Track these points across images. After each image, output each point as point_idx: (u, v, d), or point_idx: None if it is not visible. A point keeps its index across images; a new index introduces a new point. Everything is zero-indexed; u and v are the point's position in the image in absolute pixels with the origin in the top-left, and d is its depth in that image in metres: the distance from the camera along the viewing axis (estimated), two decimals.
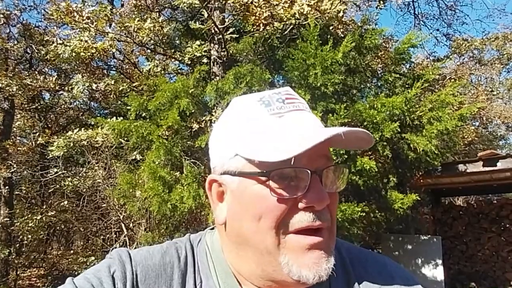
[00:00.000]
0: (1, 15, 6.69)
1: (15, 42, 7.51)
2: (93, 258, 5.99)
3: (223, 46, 4.76)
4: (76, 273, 6.13)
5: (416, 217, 7.94)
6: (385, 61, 5.79)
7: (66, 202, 7.00)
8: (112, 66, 7.65)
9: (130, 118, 4.39)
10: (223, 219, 0.59)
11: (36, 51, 7.12)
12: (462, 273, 6.70)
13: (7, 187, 7.33)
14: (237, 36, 4.79)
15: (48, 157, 6.10)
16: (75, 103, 8.82)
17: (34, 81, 6.15)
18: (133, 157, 4.91)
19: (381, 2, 7.63)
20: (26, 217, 6.49)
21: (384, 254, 5.42)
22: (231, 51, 4.88)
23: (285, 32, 4.55)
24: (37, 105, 8.25)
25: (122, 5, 6.99)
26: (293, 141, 0.52)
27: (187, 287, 0.59)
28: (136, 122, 4.26)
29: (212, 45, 4.88)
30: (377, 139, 4.06)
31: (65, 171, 6.49)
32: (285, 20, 4.17)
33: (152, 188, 3.93)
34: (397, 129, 4.02)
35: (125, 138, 4.55)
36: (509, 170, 5.23)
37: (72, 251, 8.58)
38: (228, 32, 4.60)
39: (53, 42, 4.97)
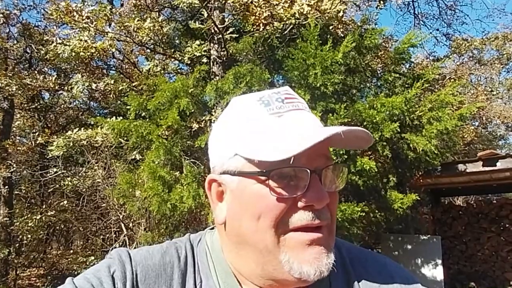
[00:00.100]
0: (1, 15, 6.69)
1: (15, 42, 7.51)
2: (92, 258, 5.99)
3: (223, 46, 4.76)
4: (75, 272, 6.13)
5: (415, 217, 7.95)
6: (385, 61, 5.79)
7: (65, 202, 7.01)
8: (111, 66, 7.65)
9: (130, 117, 4.38)
10: (222, 219, 0.59)
11: (36, 50, 7.12)
12: (462, 273, 6.70)
13: (6, 186, 7.33)
14: (237, 36, 4.79)
15: (48, 157, 6.10)
16: (74, 103, 8.82)
17: (34, 81, 6.15)
18: (133, 157, 4.91)
19: (381, 2, 7.63)
20: (25, 216, 6.50)
21: (383, 254, 5.43)
22: (231, 51, 4.87)
23: (285, 32, 4.55)
24: (36, 104, 8.25)
25: (122, 5, 6.98)
26: (293, 140, 0.52)
27: (187, 287, 0.59)
28: (136, 122, 4.25)
29: (212, 44, 4.88)
30: (377, 139, 4.07)
31: (65, 171, 6.49)
32: (285, 20, 4.17)
33: (151, 188, 3.93)
34: (397, 129, 4.03)
35: (125, 138, 4.54)
36: (509, 170, 5.24)
37: (71, 251, 8.59)
38: (228, 32, 4.60)
39: (52, 42, 4.97)
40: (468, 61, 12.56)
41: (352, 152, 4.05)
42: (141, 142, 4.32)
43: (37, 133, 7.67)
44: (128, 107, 4.49)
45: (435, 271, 5.59)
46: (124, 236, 5.44)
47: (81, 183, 5.98)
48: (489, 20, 28.88)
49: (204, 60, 4.78)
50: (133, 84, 5.70)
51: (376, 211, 4.40)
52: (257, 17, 4.20)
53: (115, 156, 5.99)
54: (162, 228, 4.86)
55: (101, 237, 7.09)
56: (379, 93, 4.85)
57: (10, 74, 6.22)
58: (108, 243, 6.24)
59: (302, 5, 4.06)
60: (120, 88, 5.78)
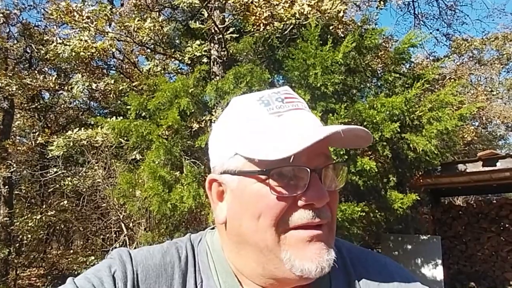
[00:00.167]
0: (1, 15, 6.69)
1: (15, 42, 7.51)
2: (92, 257, 5.99)
3: (223, 46, 4.76)
4: (75, 272, 6.14)
5: (415, 217, 7.95)
6: (385, 61, 5.79)
7: (65, 202, 7.01)
8: (112, 66, 7.66)
9: (130, 117, 4.39)
10: (223, 219, 0.59)
11: (36, 50, 7.11)
12: (462, 273, 6.71)
13: (6, 186, 7.33)
14: (237, 36, 4.79)
15: (48, 157, 6.10)
16: (74, 103, 8.83)
17: (34, 81, 6.15)
18: (133, 157, 4.91)
19: (381, 2, 7.62)
20: (25, 216, 6.50)
21: (383, 254, 5.43)
22: (231, 51, 4.87)
23: (285, 32, 4.55)
24: (36, 104, 8.25)
25: (122, 5, 6.99)
26: (293, 139, 0.52)
27: (187, 287, 0.59)
28: (136, 122, 4.26)
29: (212, 44, 4.88)
30: (377, 139, 4.07)
31: (65, 171, 6.49)
32: (285, 20, 4.17)
33: (152, 188, 3.93)
34: (397, 129, 4.03)
35: (125, 138, 4.55)
36: (509, 170, 5.24)
37: (71, 251, 8.59)
38: (228, 32, 4.60)
39: (52, 42, 4.97)
40: (468, 61, 12.57)
41: (352, 152, 4.05)
42: (141, 142, 4.32)
43: (37, 133, 7.66)
44: (128, 107, 4.49)
45: (435, 271, 5.59)
46: (124, 236, 5.44)
47: (81, 183, 5.98)
48: (489, 20, 28.92)
49: (205, 60, 4.78)
50: (133, 84, 5.70)
51: (376, 211, 4.40)
52: (257, 17, 4.20)
53: (115, 156, 5.99)
54: (162, 228, 4.86)
55: (101, 237, 7.09)
56: (379, 93, 4.85)
57: (10, 74, 6.22)
58: (108, 243, 6.24)
59: (303, 5, 4.06)
60: (120, 88, 5.78)
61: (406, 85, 4.80)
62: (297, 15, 4.10)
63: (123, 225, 5.59)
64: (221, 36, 4.58)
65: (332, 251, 0.55)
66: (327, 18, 4.30)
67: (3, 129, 7.59)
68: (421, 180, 5.83)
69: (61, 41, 4.83)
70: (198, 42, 4.71)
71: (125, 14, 5.75)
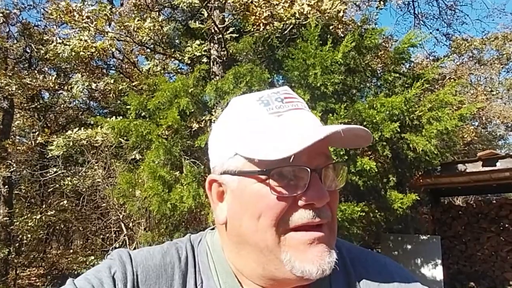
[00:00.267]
0: (1, 14, 6.68)
1: (15, 41, 7.50)
2: (92, 257, 5.99)
3: (223, 46, 4.76)
4: (75, 272, 6.14)
5: (415, 217, 7.95)
6: (384, 61, 5.79)
7: (65, 202, 7.02)
8: (111, 66, 7.66)
9: (130, 117, 4.39)
10: (223, 219, 0.59)
11: (36, 50, 7.11)
12: (461, 273, 6.71)
13: (6, 186, 7.33)
14: (237, 35, 4.79)
15: (48, 157, 6.09)
16: (74, 103, 8.82)
17: (34, 80, 6.15)
18: (133, 157, 4.91)
19: (381, 2, 7.63)
20: (25, 216, 6.50)
21: (383, 253, 5.44)
22: (231, 51, 4.87)
23: (285, 32, 4.55)
24: (36, 104, 8.25)
25: (122, 5, 6.98)
26: (293, 139, 0.52)
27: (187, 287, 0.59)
28: (136, 121, 4.25)
29: (212, 44, 4.88)
30: (377, 139, 4.07)
31: (65, 171, 6.49)
32: (285, 19, 4.17)
33: (151, 188, 3.93)
34: (397, 129, 4.03)
35: (125, 138, 4.55)
36: (509, 170, 5.24)
37: (71, 251, 8.59)
38: (228, 32, 4.60)
39: (52, 41, 4.97)
40: (468, 61, 12.57)
41: (352, 152, 4.05)
42: (141, 142, 4.32)
43: (37, 133, 7.66)
44: (128, 106, 4.49)
45: (434, 271, 5.60)
46: (124, 236, 5.44)
47: (81, 183, 5.98)
48: (489, 20, 28.94)
49: (204, 60, 4.77)
50: (133, 84, 5.70)
51: (376, 211, 4.40)
52: (257, 17, 4.20)
53: (115, 155, 5.99)
54: (162, 228, 4.86)
55: (101, 237, 7.09)
56: (379, 93, 4.85)
57: (10, 74, 6.22)
58: (108, 243, 6.24)
59: (302, 5, 4.05)
60: (120, 88, 5.78)
61: (406, 85, 4.80)
62: (297, 15, 4.10)
63: (123, 225, 5.59)
64: (221, 36, 4.58)
65: (334, 253, 0.55)
66: (327, 18, 4.30)
67: (3, 129, 7.59)
68: (421, 180, 5.83)
69: (61, 41, 4.83)
70: (198, 42, 4.71)
71: (124, 14, 5.75)
